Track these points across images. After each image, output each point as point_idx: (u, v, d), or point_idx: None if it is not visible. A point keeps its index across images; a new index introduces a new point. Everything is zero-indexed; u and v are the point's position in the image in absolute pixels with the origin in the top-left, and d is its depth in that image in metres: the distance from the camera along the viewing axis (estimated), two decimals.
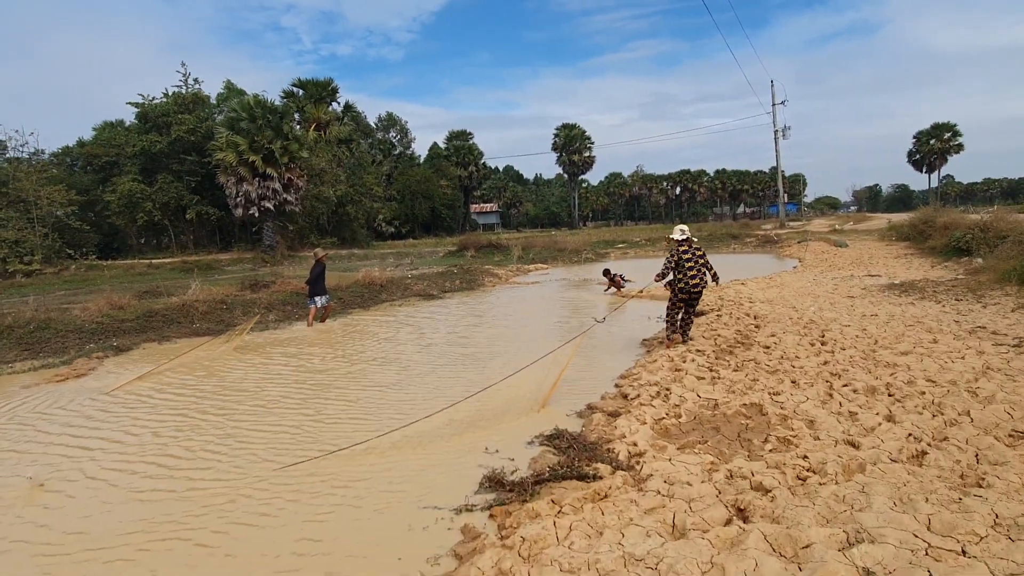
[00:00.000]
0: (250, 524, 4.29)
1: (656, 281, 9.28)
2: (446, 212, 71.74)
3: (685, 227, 9.43)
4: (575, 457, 4.86)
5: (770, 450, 4.85)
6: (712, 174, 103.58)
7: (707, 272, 9.06)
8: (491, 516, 4.13)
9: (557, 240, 36.93)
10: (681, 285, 8.93)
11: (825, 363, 7.27)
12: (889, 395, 5.93)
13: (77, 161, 42.72)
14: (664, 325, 9.75)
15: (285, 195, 35.08)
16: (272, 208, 34.89)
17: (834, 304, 11.66)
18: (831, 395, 6.04)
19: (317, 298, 13.07)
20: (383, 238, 61.56)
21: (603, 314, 12.85)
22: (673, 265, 8.98)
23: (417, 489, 4.69)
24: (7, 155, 39.83)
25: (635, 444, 5.03)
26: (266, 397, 7.54)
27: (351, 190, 44.05)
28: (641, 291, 15.54)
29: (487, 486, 4.58)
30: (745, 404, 5.93)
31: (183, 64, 42.10)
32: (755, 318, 10.66)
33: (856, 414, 5.45)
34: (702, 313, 11.41)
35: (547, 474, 4.57)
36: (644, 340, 9.87)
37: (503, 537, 3.76)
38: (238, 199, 34.32)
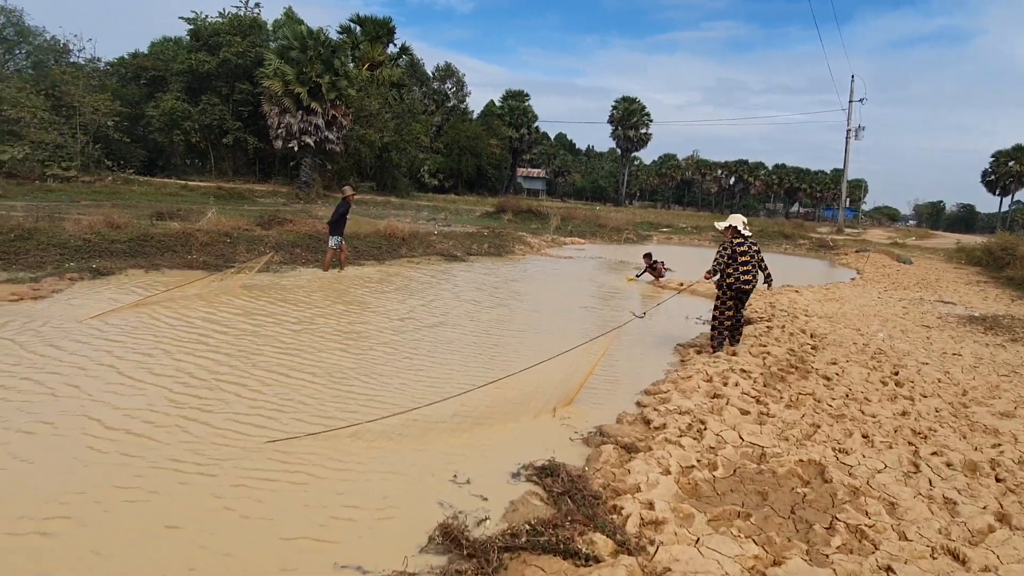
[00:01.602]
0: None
1: (706, 278, 8.04)
2: (492, 171, 70.17)
3: (744, 219, 8.04)
4: (567, 515, 3.56)
5: (838, 547, 3.48)
6: (770, 168, 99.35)
7: (760, 271, 7.87)
8: None
9: (599, 215, 35.19)
10: (731, 281, 7.75)
11: (904, 413, 5.81)
12: (997, 479, 4.49)
13: (128, 73, 42.24)
14: (710, 330, 8.44)
15: (327, 132, 34.00)
16: (312, 144, 33.87)
17: (906, 332, 10.03)
18: (917, 467, 4.61)
19: (333, 238, 12.27)
20: (425, 190, 60.48)
21: (642, 308, 11.48)
22: (726, 260, 7.75)
23: (350, 531, 3.46)
24: (69, 59, 39.65)
25: (651, 506, 3.71)
26: (251, 357, 6.42)
27: (397, 136, 42.73)
28: (681, 284, 14.06)
29: (439, 542, 3.32)
30: (802, 461, 4.55)
31: None
32: (812, 336, 9.14)
33: (955, 504, 4.04)
34: (750, 321, 9.93)
35: (523, 539, 3.29)
36: (679, 345, 8.46)
37: None
38: (279, 130, 33.38)
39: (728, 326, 8.13)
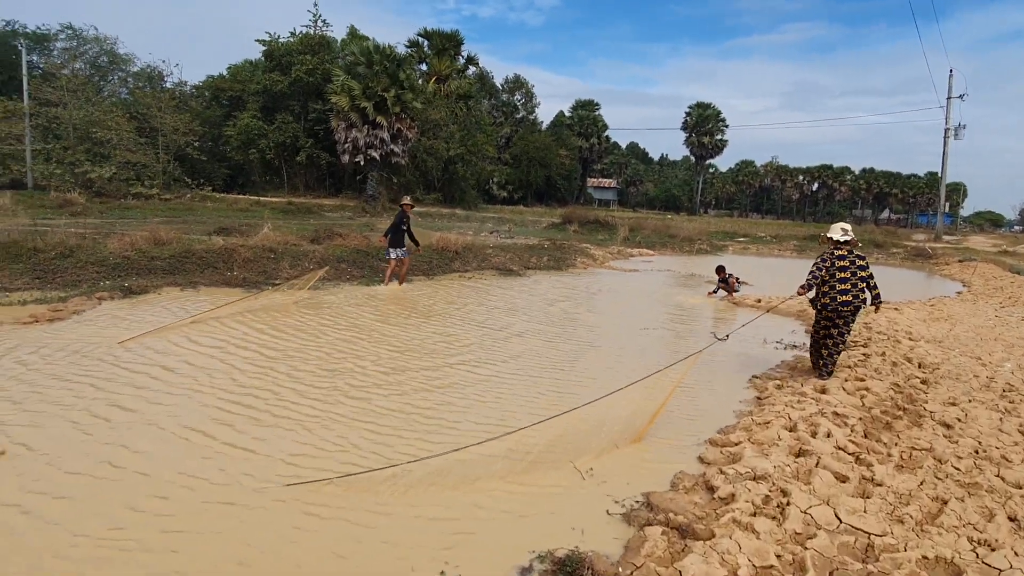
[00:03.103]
0: None
1: (799, 294, 6.84)
2: (561, 182, 69.37)
3: (848, 226, 6.93)
4: None
5: None
6: (857, 172, 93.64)
7: (866, 291, 6.72)
8: None
9: (670, 224, 33.46)
10: (826, 300, 6.68)
11: None
12: None
13: (209, 95, 43.92)
14: (809, 356, 7.37)
15: (392, 145, 34.04)
16: (377, 157, 33.99)
17: None
18: None
19: (392, 250, 11.87)
20: (494, 201, 60.23)
21: (716, 327, 10.21)
22: (823, 274, 6.71)
23: None
24: (164, 84, 41.65)
25: None
26: (271, 388, 5.69)
27: (463, 148, 42.48)
28: (759, 301, 12.61)
29: None
30: (927, 559, 3.31)
31: (315, 5, 41.63)
32: (920, 367, 7.63)
33: None
34: (844, 349, 8.47)
35: None
36: (754, 377, 7.15)
37: None
38: (346, 145, 33.69)
39: (824, 354, 6.92)
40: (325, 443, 4.67)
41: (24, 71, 30.87)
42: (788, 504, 3.83)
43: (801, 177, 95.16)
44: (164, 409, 5.09)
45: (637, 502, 3.97)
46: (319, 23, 41.46)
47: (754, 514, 3.70)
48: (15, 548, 3.17)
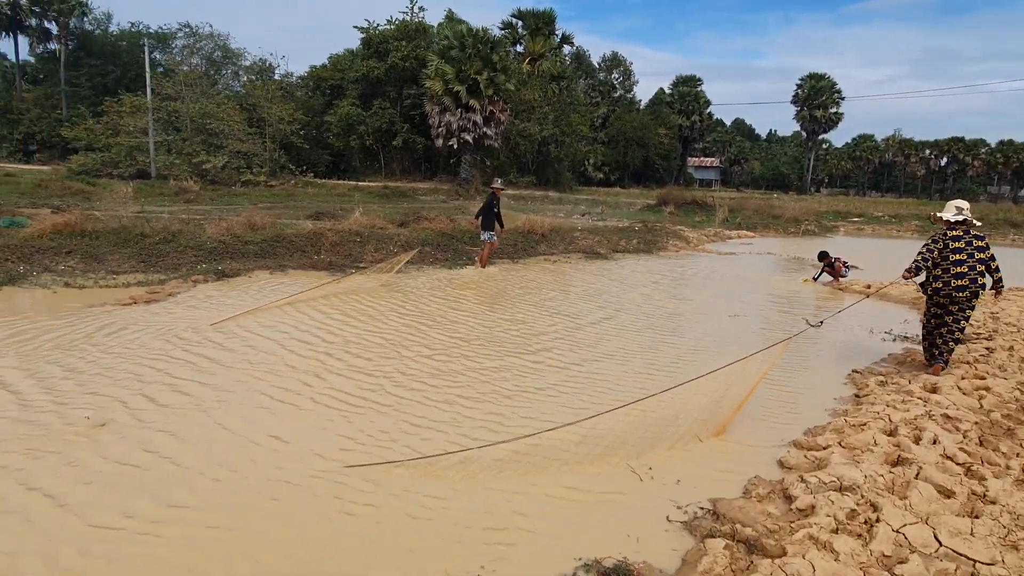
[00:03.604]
0: None
1: (904, 278, 6.25)
2: (660, 162, 67.13)
3: (965, 204, 6.24)
4: None
5: None
6: (993, 145, 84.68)
7: (985, 275, 5.98)
8: None
9: (774, 204, 31.51)
10: (938, 285, 6.02)
11: None
12: None
13: (312, 85, 45.76)
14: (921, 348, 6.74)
15: (485, 128, 34.07)
16: (470, 140, 34.15)
17: None
18: None
19: (483, 232, 12.16)
20: (590, 183, 59.24)
21: (817, 315, 9.37)
22: (935, 256, 6.05)
23: None
24: (273, 76, 43.93)
25: None
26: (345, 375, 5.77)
27: (556, 129, 41.94)
28: (868, 287, 11.57)
29: None
30: None
31: None
32: None
33: None
34: (960, 341, 7.54)
35: None
36: (855, 372, 6.47)
37: None
38: (440, 129, 34.08)
39: (939, 343, 6.24)
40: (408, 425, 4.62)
41: (147, 68, 33.24)
42: (878, 521, 3.35)
43: (928, 151, 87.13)
44: (254, 386, 5.24)
45: (702, 508, 3.62)
46: (415, 9, 42.04)
47: (835, 531, 3.26)
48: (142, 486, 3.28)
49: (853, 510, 3.45)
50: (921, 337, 6.69)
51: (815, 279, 12.60)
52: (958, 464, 4.06)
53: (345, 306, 8.45)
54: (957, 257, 5.94)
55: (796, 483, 3.81)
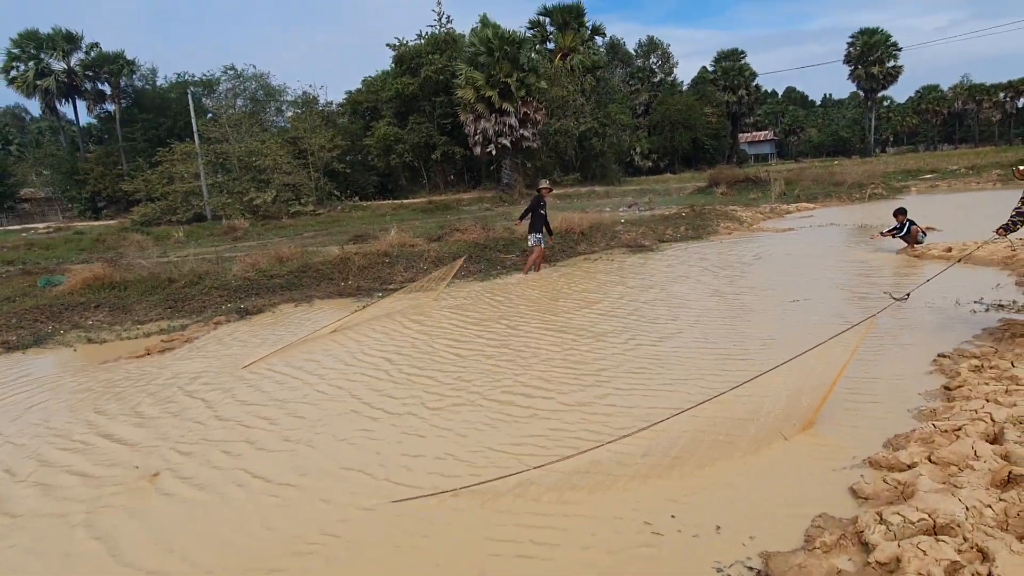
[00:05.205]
0: None
1: (999, 235, 5.62)
2: (710, 143, 64.88)
3: None
4: None
5: None
6: None
7: None
8: None
9: (835, 172, 29.47)
10: None
11: None
12: None
13: (349, 110, 46.30)
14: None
15: (522, 130, 33.56)
16: (509, 145, 33.68)
17: None
18: None
19: (531, 236, 11.67)
20: (639, 172, 57.81)
21: (898, 287, 8.25)
22: None
23: None
24: (318, 107, 44.73)
25: None
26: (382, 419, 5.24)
27: (595, 121, 40.93)
28: (950, 251, 10.28)
29: None
30: None
31: (438, 3, 42.37)
32: None
33: None
34: None
35: None
36: (940, 356, 5.43)
37: None
38: (476, 137, 33.78)
39: None
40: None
41: (192, 115, 34.27)
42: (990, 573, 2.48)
43: (1002, 94, 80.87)
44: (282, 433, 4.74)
45: (749, 569, 2.82)
46: (443, 20, 41.96)
47: None
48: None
49: (954, 562, 2.58)
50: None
51: (891, 233, 11.37)
52: None
53: (370, 336, 7.93)
54: None
55: (874, 523, 2.94)
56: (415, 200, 35.90)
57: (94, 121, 52.60)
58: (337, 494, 3.81)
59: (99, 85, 48.68)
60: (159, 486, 4.06)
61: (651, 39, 70.59)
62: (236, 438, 4.81)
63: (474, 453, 4.25)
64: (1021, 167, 5.55)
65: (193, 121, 34.79)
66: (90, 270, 10.87)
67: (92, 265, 11.68)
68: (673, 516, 3.29)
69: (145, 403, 5.77)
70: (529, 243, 11.81)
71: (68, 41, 46.03)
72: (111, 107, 49.40)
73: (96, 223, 38.66)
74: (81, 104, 49.33)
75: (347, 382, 6.01)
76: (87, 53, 47.28)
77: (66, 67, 46.18)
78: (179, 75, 50.01)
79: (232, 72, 47.02)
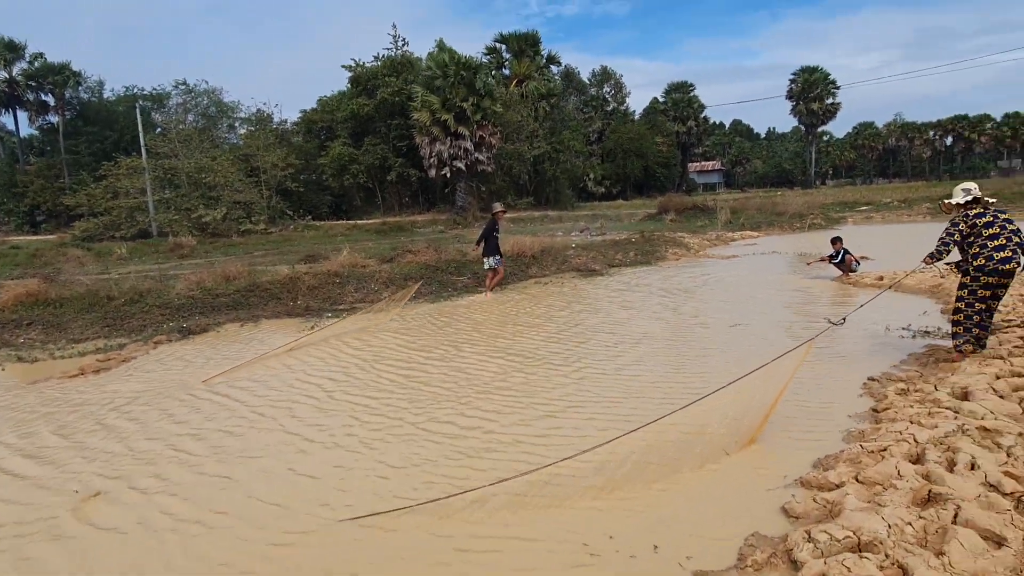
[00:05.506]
0: None
1: (926, 264, 5.87)
2: (661, 171, 66.50)
3: (972, 184, 5.78)
4: None
5: None
6: (999, 120, 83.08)
7: (1018, 250, 5.49)
8: None
9: (777, 202, 30.61)
10: (981, 262, 5.49)
11: None
12: None
13: (304, 128, 45.82)
14: (951, 333, 6.06)
15: (476, 154, 33.77)
16: (463, 168, 33.82)
17: None
18: None
19: (487, 258, 11.78)
20: (592, 198, 58.72)
21: (833, 312, 8.65)
22: (960, 239, 5.66)
23: None
24: (272, 125, 43.96)
25: None
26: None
27: (549, 147, 41.54)
28: (882, 279, 10.79)
29: None
30: None
31: (394, 27, 42.53)
32: None
33: None
34: (993, 329, 6.69)
35: None
36: (870, 380, 5.68)
37: None
38: (431, 159, 33.84)
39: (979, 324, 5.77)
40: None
41: (140, 129, 33.38)
42: None
43: (932, 132, 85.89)
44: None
45: None
46: (399, 43, 42.10)
47: None
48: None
49: None
50: (955, 313, 5.88)
51: (827, 259, 11.94)
52: (1005, 495, 3.27)
53: (315, 357, 7.81)
54: (991, 232, 5.51)
55: (803, 541, 3.05)
56: (369, 221, 35.59)
57: (35, 132, 50.81)
58: (270, 519, 3.72)
59: (42, 96, 47.06)
60: (80, 514, 3.89)
61: (604, 69, 72.37)
62: (167, 460, 4.66)
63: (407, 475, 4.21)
64: (947, 201, 5.93)
65: (141, 135, 33.87)
66: (23, 286, 10.41)
67: (26, 281, 11.19)
68: (611, 537, 3.33)
69: (74, 425, 5.54)
70: (486, 266, 11.87)
71: (10, 50, 44.54)
72: (54, 119, 47.74)
73: (34, 238, 37.10)
74: (22, 115, 47.57)
75: (289, 404, 5.90)
76: (31, 63, 45.77)
77: (7, 76, 44.56)
78: (128, 88, 48.81)
79: (184, 87, 46.17)
